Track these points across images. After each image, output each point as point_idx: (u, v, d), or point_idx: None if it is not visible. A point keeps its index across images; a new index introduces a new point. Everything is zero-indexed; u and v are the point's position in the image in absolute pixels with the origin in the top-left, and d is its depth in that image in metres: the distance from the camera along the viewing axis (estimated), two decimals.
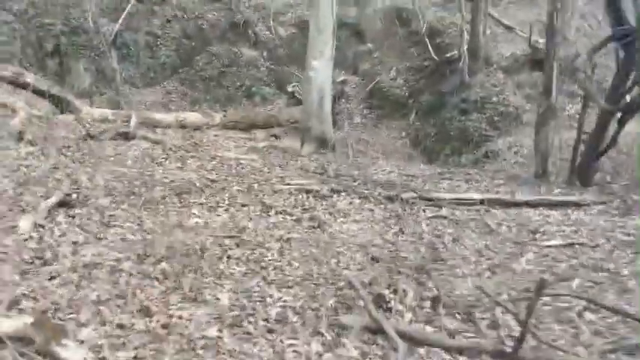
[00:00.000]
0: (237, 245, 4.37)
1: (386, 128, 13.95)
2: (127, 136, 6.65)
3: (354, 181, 6.41)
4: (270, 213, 5.21)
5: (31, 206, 4.50)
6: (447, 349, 3.00)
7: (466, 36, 12.93)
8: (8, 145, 5.79)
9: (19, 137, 5.92)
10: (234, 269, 3.92)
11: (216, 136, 8.26)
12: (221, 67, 15.49)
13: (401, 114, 14.08)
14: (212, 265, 3.89)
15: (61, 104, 7.76)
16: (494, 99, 11.94)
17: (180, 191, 5.34)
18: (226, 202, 5.31)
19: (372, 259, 4.27)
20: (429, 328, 3.26)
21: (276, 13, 16.44)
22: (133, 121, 7.55)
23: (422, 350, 3.01)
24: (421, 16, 14.56)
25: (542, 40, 13.42)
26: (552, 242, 5.00)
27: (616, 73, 6.50)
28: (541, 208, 5.74)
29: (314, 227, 4.98)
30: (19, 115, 6.47)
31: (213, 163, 6.43)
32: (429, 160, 12.06)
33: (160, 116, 8.58)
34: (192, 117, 8.95)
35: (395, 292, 3.59)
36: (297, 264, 4.12)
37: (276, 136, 10.72)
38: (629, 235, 5.05)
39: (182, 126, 8.54)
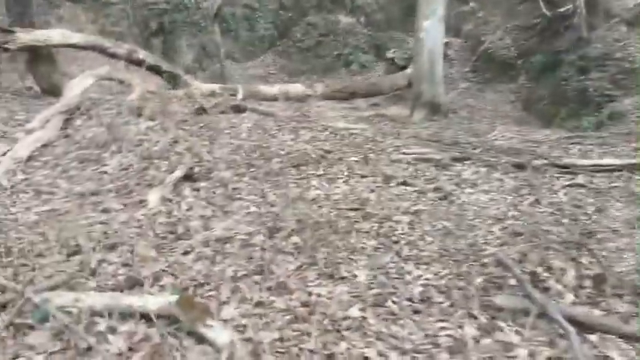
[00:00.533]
0: (364, 218, 4.15)
1: (493, 92, 13.20)
2: (237, 109, 6.55)
3: (475, 149, 5.97)
4: (390, 184, 4.94)
5: (157, 180, 4.51)
6: (625, 337, 2.62)
7: None
8: (128, 120, 5.88)
9: (138, 113, 6.00)
10: (365, 244, 3.71)
11: (320, 106, 8.06)
12: (318, 36, 15.28)
13: (509, 76, 13.25)
14: (343, 239, 3.70)
15: (173, 80, 7.88)
16: (618, 55, 10.86)
17: (297, 163, 5.19)
18: (345, 173, 5.09)
19: (514, 233, 3.91)
20: (596, 312, 2.89)
21: None
22: (240, 94, 7.50)
23: (593, 337, 2.66)
24: None
25: None
26: None
27: None
28: None
29: (440, 199, 4.66)
30: (136, 91, 6.58)
31: (326, 133, 6.19)
32: (543, 124, 11.28)
33: (264, 89, 8.53)
34: (295, 88, 8.83)
35: (549, 270, 3.23)
36: (430, 238, 3.85)
37: (378, 105, 10.38)
38: None
39: (286, 98, 8.41)
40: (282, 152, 5.50)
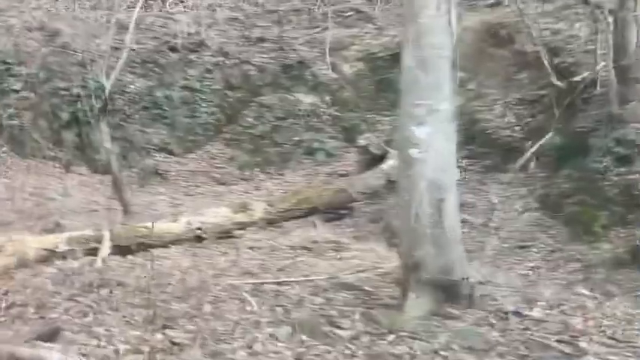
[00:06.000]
0: None
1: (497, 184, 10.21)
2: None
3: None
4: None
5: None
6: None
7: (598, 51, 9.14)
8: None
9: None
10: None
11: (249, 252, 4.89)
12: (274, 120, 12.40)
13: (515, 162, 10.29)
14: None
15: None
16: None
17: None
18: None
19: None
20: None
21: (337, 48, 13.18)
22: (106, 248, 4.34)
23: None
24: (531, 30, 10.82)
25: None
26: None
27: None
28: None
29: None
30: None
31: None
32: (576, 234, 8.21)
33: (162, 227, 5.28)
34: (217, 217, 5.65)
35: None
36: None
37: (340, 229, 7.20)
38: None
39: (198, 237, 5.28)
40: None
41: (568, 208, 8.69)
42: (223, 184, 11.76)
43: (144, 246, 4.74)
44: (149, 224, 5.00)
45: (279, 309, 3.44)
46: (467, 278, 3.33)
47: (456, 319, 3.25)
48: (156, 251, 4.91)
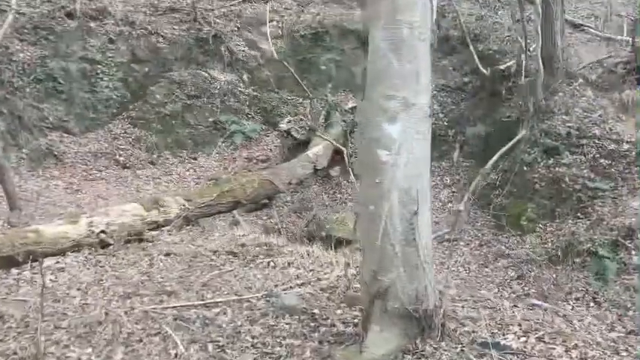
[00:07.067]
0: None
1: None
2: None
3: None
4: None
5: None
6: None
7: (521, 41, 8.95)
8: None
9: None
10: None
11: (165, 269, 4.09)
12: (186, 98, 11.38)
13: (440, 151, 10.07)
14: None
15: None
16: (595, 131, 8.00)
17: None
18: None
19: None
20: None
21: (256, 24, 12.32)
22: None
23: None
24: (458, 15, 10.55)
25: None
26: None
27: None
28: None
29: None
30: None
31: None
32: (502, 226, 8.04)
33: (57, 230, 4.33)
34: (125, 216, 4.77)
35: None
36: None
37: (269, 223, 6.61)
38: None
39: (103, 243, 4.41)
40: None
41: (495, 199, 8.53)
42: (128, 167, 10.62)
43: (33, 255, 3.84)
44: (39, 227, 4.07)
45: (210, 347, 2.75)
46: (441, 306, 2.79)
47: (429, 357, 2.71)
48: (49, 261, 4.01)
